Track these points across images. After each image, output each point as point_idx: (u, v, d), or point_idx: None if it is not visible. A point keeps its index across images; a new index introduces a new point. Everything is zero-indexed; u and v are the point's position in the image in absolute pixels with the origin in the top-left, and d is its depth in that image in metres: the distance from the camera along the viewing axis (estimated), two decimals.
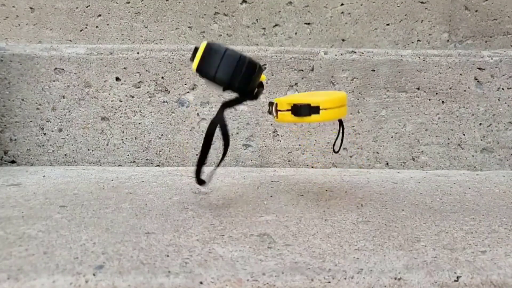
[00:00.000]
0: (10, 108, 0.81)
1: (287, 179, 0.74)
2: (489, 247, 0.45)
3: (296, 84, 0.82)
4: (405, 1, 1.08)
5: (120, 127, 0.83)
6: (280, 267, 0.39)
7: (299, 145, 0.84)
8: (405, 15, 1.08)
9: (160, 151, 0.83)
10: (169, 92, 0.82)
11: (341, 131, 0.66)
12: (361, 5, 1.08)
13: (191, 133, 0.83)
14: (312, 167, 0.84)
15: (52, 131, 0.82)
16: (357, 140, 0.84)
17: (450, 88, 0.83)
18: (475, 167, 0.84)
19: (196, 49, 0.54)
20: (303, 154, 0.84)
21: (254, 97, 0.56)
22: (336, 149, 0.69)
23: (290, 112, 0.58)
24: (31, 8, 1.07)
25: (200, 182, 0.56)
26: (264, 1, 1.07)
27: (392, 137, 0.84)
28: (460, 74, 0.83)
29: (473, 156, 0.84)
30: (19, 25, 1.07)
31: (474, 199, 0.64)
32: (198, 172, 0.56)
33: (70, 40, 1.08)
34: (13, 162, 0.82)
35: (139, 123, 0.83)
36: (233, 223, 0.51)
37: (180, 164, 0.83)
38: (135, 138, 0.83)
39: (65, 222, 0.50)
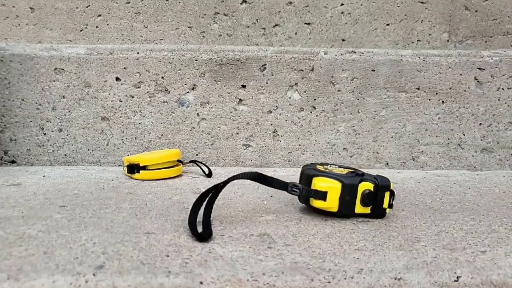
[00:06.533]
0: (10, 108, 0.81)
1: (287, 179, 0.74)
2: (489, 247, 0.45)
3: (296, 84, 0.82)
4: (405, 1, 1.08)
5: (120, 127, 0.83)
6: (280, 267, 0.39)
7: (299, 145, 0.84)
8: (405, 15, 1.08)
9: None
10: (169, 92, 0.82)
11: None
12: (361, 5, 1.08)
13: (191, 133, 0.83)
14: None
15: (52, 131, 0.82)
16: (357, 140, 0.84)
17: (450, 88, 0.83)
18: (475, 167, 0.84)
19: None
20: (303, 154, 0.84)
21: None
22: None
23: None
24: (31, 8, 1.07)
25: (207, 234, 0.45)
26: (264, 1, 1.07)
27: (392, 137, 0.84)
28: (460, 74, 0.83)
29: (473, 156, 0.84)
30: (19, 25, 1.07)
31: (474, 199, 0.64)
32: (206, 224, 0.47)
33: (70, 40, 1.08)
34: (13, 162, 0.82)
35: (139, 123, 0.83)
36: (233, 223, 0.51)
37: None
38: (135, 138, 0.83)
39: (65, 222, 0.50)
